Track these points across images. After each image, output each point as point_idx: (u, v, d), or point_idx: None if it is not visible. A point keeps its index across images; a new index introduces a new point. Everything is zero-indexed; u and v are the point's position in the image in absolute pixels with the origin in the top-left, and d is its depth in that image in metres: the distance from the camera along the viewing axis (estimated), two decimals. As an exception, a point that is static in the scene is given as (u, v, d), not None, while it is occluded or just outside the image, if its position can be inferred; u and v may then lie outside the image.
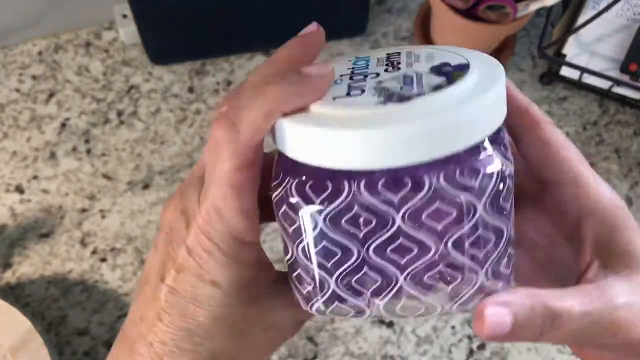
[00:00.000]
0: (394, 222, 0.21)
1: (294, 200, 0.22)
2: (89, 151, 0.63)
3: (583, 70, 0.63)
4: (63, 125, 0.64)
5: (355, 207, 0.21)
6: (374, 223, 0.21)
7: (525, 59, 0.69)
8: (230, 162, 0.21)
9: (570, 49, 0.64)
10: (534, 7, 0.58)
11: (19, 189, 0.61)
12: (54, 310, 0.57)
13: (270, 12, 0.65)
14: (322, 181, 0.21)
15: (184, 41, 0.66)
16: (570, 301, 0.22)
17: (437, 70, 0.21)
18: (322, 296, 0.23)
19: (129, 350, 0.24)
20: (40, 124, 0.64)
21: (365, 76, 0.22)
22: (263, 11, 0.64)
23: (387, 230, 0.21)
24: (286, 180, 0.22)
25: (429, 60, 0.23)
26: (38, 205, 0.60)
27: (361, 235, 0.22)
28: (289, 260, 0.24)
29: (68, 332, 0.56)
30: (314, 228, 0.22)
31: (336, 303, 0.24)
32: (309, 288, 0.24)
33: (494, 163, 0.21)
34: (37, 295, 0.57)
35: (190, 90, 0.66)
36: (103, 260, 0.59)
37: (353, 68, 0.23)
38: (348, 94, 0.21)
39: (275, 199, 0.23)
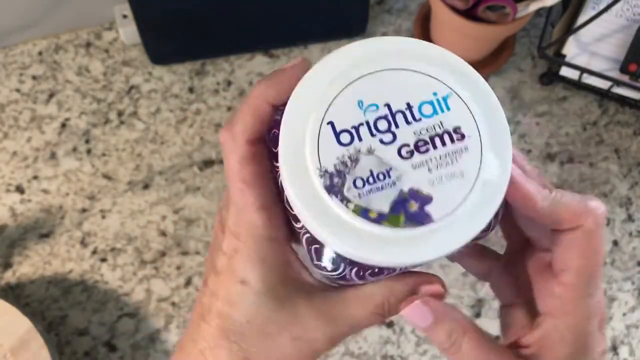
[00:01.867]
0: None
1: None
2: (89, 151, 0.63)
3: (583, 70, 0.63)
4: (63, 125, 0.64)
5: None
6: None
7: (525, 59, 0.69)
8: (233, 158, 0.24)
9: (570, 49, 0.64)
10: (534, 7, 0.58)
11: (19, 189, 0.61)
12: (54, 310, 0.57)
13: (270, 12, 0.65)
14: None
15: (184, 41, 0.66)
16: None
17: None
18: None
19: (180, 348, 0.27)
20: (41, 124, 0.64)
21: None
22: (263, 11, 0.65)
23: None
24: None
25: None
26: (38, 205, 0.60)
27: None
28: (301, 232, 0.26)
29: (68, 332, 0.56)
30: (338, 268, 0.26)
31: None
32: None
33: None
34: (37, 295, 0.57)
35: (190, 90, 0.66)
36: (103, 260, 0.59)
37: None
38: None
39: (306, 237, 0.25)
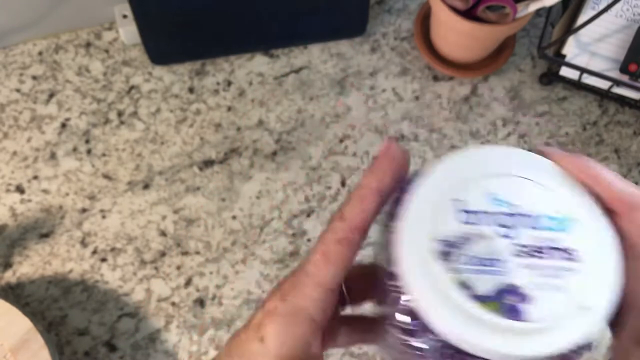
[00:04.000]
0: None
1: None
2: (89, 151, 0.63)
3: (583, 70, 0.63)
4: (63, 125, 0.64)
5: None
6: None
7: (525, 59, 0.69)
8: (333, 236, 0.25)
9: (570, 49, 0.64)
10: (533, 7, 0.58)
11: (20, 189, 0.61)
12: (54, 310, 0.57)
13: (271, 12, 0.65)
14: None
15: (184, 41, 0.66)
16: None
17: None
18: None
19: None
20: (41, 124, 0.64)
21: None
22: (263, 11, 0.65)
23: None
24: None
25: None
26: (38, 205, 0.60)
27: None
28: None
29: (68, 332, 0.56)
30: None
31: None
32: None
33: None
34: (38, 295, 0.57)
35: (191, 90, 0.66)
36: (103, 260, 0.59)
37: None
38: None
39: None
